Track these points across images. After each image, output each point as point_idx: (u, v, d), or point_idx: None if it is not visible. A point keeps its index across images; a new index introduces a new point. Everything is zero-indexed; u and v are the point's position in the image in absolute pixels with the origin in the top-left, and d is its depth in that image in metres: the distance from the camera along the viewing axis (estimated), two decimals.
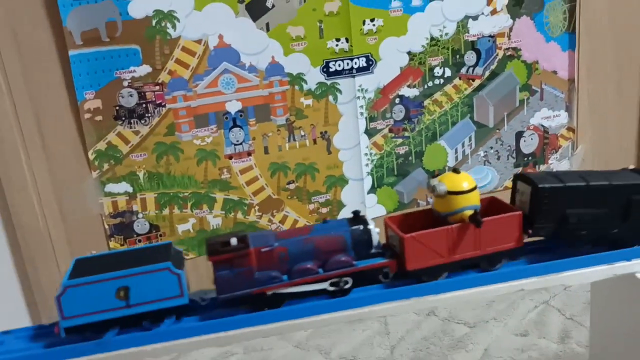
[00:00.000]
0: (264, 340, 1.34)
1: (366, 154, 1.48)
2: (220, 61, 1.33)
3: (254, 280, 0.76)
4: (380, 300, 0.80)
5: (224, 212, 1.42)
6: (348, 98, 1.43)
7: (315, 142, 1.44)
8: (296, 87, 1.39)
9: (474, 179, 0.82)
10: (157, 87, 1.30)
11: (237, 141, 1.39)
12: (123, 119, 1.30)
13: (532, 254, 0.86)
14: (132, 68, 1.28)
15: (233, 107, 1.36)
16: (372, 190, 1.51)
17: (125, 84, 1.28)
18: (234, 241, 0.76)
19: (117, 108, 1.29)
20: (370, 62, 1.42)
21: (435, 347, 1.26)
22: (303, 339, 1.35)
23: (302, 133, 1.43)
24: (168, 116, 1.33)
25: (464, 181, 0.80)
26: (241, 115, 1.37)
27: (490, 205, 0.86)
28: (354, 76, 1.42)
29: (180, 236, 1.40)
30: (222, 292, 0.76)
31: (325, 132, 1.44)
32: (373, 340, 1.31)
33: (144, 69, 1.28)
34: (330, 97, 1.42)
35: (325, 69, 1.39)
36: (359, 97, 1.44)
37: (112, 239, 1.37)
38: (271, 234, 0.81)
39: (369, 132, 1.47)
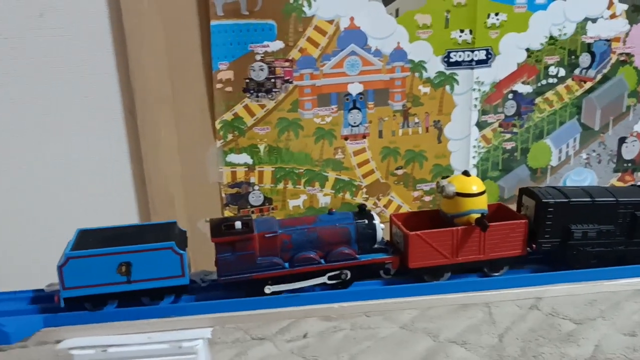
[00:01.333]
0: (370, 320, 1.37)
1: (474, 146, 1.50)
2: (349, 43, 1.35)
3: (256, 265, 0.77)
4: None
5: (333, 191, 1.45)
6: (464, 89, 1.45)
7: (427, 130, 1.47)
8: (416, 74, 1.41)
9: (483, 184, 0.83)
10: (287, 64, 1.34)
11: (355, 123, 1.42)
12: (251, 91, 1.34)
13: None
14: (265, 43, 1.31)
15: (355, 89, 1.39)
16: None
17: (258, 57, 1.32)
18: (238, 225, 0.77)
19: (247, 81, 1.33)
20: (490, 56, 1.44)
21: (544, 339, 1.27)
22: (408, 321, 1.37)
23: (416, 120, 1.45)
24: (294, 93, 1.36)
25: (473, 184, 0.81)
26: (361, 98, 1.40)
27: (498, 212, 0.87)
28: (472, 68, 1.44)
29: (291, 211, 1.44)
30: (222, 274, 0.77)
31: (438, 121, 1.47)
32: (480, 328, 1.32)
33: (276, 45, 1.32)
34: (447, 87, 1.44)
35: (446, 59, 1.42)
36: (474, 89, 1.45)
37: (227, 207, 1.40)
38: (275, 221, 0.81)
39: (480, 125, 1.49)
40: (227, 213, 1.40)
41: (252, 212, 1.42)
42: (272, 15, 1.29)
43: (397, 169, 1.47)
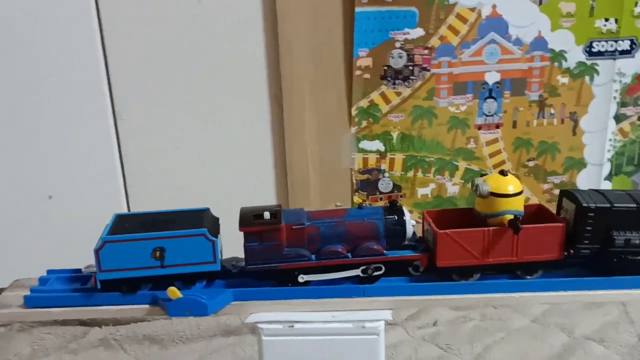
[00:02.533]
0: (500, 311, 1.35)
1: (610, 140, 1.45)
2: (489, 31, 1.33)
3: (283, 255, 0.77)
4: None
5: (462, 181, 1.44)
6: (604, 80, 1.40)
7: (562, 121, 1.43)
8: (555, 64, 1.38)
9: (520, 184, 0.78)
10: (426, 51, 1.33)
11: (489, 112, 1.40)
12: (389, 79, 1.34)
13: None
14: (406, 30, 1.31)
15: (492, 78, 1.37)
16: (609, 177, 1.48)
17: (397, 45, 1.32)
18: (267, 215, 0.77)
19: (386, 68, 1.33)
20: (634, 46, 1.38)
21: None
22: (540, 315, 1.35)
23: (552, 111, 1.42)
24: (430, 81, 1.35)
25: (509, 184, 0.77)
26: (497, 87, 1.38)
27: (537, 213, 0.83)
28: (614, 59, 1.39)
29: (418, 199, 1.44)
30: (250, 262, 0.77)
31: (574, 112, 1.43)
32: (617, 327, 1.29)
33: (417, 32, 1.31)
34: (587, 78, 1.40)
35: (588, 49, 1.37)
36: (615, 81, 1.41)
37: (356, 193, 1.42)
38: (304, 212, 0.80)
39: (618, 118, 1.44)
40: (356, 199, 1.42)
41: (381, 198, 1.42)
42: (415, 2, 1.29)
43: (528, 160, 1.45)
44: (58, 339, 1.30)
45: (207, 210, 0.82)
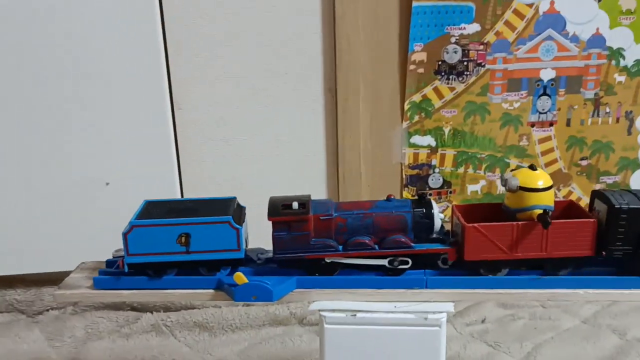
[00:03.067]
0: (550, 311, 1.34)
1: None
2: (546, 27, 1.32)
3: (310, 245, 0.77)
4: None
5: None
6: None
7: (617, 120, 1.41)
8: (613, 62, 1.36)
9: (550, 179, 0.76)
10: (481, 47, 1.32)
11: (543, 110, 1.38)
12: (442, 74, 1.34)
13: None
14: (462, 25, 1.30)
15: (547, 75, 1.36)
16: None
17: (453, 40, 1.31)
18: (295, 205, 0.76)
19: (440, 63, 1.33)
20: None
21: None
22: (590, 316, 1.33)
23: (607, 110, 1.39)
24: (485, 76, 1.34)
25: (539, 179, 0.75)
26: (552, 84, 1.36)
27: (568, 209, 0.81)
28: None
29: (468, 196, 1.43)
30: (278, 252, 0.77)
31: (630, 112, 1.40)
32: None
33: (473, 27, 1.31)
34: None
35: None
36: None
37: (406, 188, 1.42)
38: (332, 203, 0.80)
39: None
40: (406, 194, 1.42)
41: (430, 194, 1.42)
42: None
43: (581, 159, 1.43)
44: (111, 323, 1.34)
45: (234, 199, 0.84)
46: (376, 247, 0.78)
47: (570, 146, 1.41)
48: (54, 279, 1.09)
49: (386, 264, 0.78)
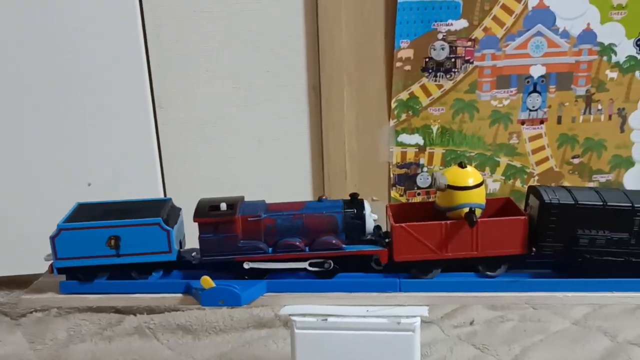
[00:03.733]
0: (540, 312, 1.32)
1: None
2: (536, 23, 1.29)
3: (238, 247, 0.75)
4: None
5: (504, 177, 1.40)
6: None
7: (610, 118, 1.38)
8: (604, 58, 1.33)
9: (480, 176, 0.74)
10: (469, 43, 1.30)
11: (533, 107, 1.35)
12: (430, 71, 1.31)
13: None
14: (449, 21, 1.28)
15: (537, 71, 1.33)
16: None
17: (440, 36, 1.29)
18: (223, 206, 0.75)
19: (427, 60, 1.30)
20: None
21: None
22: (581, 318, 1.31)
23: (599, 107, 1.37)
24: (473, 73, 1.32)
25: (468, 177, 0.73)
26: (542, 81, 1.34)
27: (504, 208, 0.79)
28: None
29: None
30: (205, 254, 0.76)
31: (623, 109, 1.37)
32: None
33: (460, 24, 1.28)
34: (637, 73, 1.34)
35: (639, 42, 1.32)
36: None
37: (394, 188, 1.39)
38: (263, 204, 0.78)
39: None
40: (394, 193, 1.40)
41: (419, 194, 1.40)
42: None
43: (573, 157, 1.40)
44: (94, 326, 1.32)
45: (169, 200, 0.82)
46: (306, 249, 0.76)
47: (561, 144, 1.39)
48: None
49: (307, 266, 0.76)
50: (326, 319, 0.75)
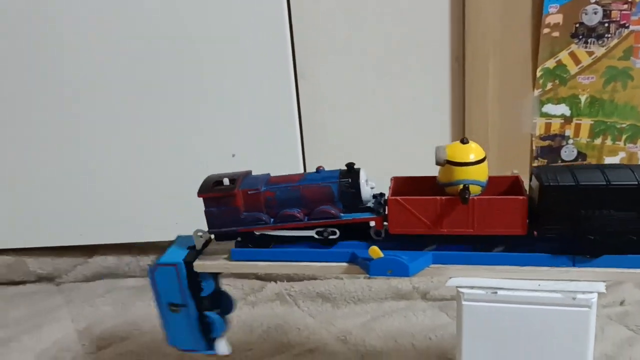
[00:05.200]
0: None
1: None
2: None
3: (240, 219, 0.78)
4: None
5: None
6: None
7: None
8: None
9: (483, 152, 0.72)
10: (625, 6, 1.21)
11: None
12: (580, 37, 1.24)
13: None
14: None
15: None
16: None
17: (593, 0, 1.21)
18: (226, 181, 0.78)
19: (577, 25, 1.23)
20: None
21: None
22: None
23: None
24: (628, 39, 1.24)
25: (469, 153, 0.72)
26: None
27: (511, 186, 0.77)
28: None
29: None
30: (211, 227, 0.79)
31: None
32: None
33: None
34: None
35: None
36: None
37: (536, 160, 1.34)
38: (265, 178, 0.79)
39: None
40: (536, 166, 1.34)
41: None
42: None
43: None
44: (237, 291, 1.37)
45: None
46: (305, 218, 0.79)
47: None
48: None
49: (314, 234, 0.79)
50: (496, 292, 0.73)
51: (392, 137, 1.30)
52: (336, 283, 1.33)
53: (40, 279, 1.47)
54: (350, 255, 0.78)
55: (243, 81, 1.26)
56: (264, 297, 1.33)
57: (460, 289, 0.74)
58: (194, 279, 0.83)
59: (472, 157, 0.73)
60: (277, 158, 1.29)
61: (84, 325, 1.27)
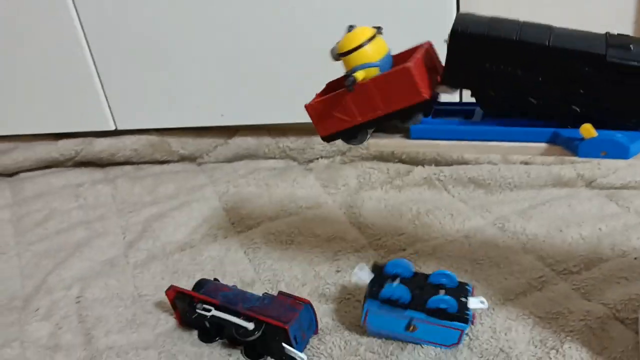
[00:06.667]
0: None
1: None
2: None
3: None
4: None
5: None
6: None
7: None
8: None
9: (368, 31, 0.71)
10: None
11: None
12: None
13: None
14: None
15: None
16: None
17: None
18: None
19: None
20: None
21: None
22: None
23: None
24: None
25: (354, 39, 0.71)
26: None
27: (427, 57, 0.73)
28: None
29: None
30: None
31: None
32: None
33: None
34: None
35: None
36: None
37: None
38: None
39: None
40: None
41: None
42: None
43: None
44: (382, 174, 1.33)
45: None
46: None
47: None
48: None
49: None
50: None
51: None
52: (489, 168, 1.25)
53: (182, 158, 1.49)
54: (551, 134, 0.69)
55: None
56: (410, 181, 1.28)
57: None
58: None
59: (356, 42, 0.71)
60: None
61: (231, 204, 1.28)
